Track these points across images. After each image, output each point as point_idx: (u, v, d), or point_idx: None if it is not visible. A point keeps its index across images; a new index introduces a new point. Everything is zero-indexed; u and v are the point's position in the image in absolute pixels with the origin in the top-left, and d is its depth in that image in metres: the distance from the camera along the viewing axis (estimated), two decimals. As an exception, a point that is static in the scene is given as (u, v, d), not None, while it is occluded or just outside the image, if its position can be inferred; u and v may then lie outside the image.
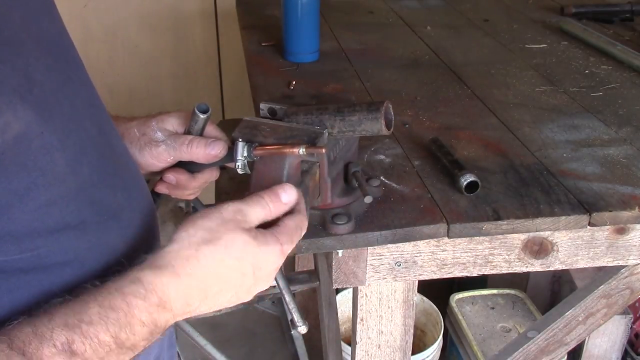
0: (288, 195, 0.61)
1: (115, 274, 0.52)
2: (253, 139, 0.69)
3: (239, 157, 0.68)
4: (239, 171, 0.69)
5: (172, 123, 0.73)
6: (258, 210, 0.59)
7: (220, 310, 1.53)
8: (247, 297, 0.60)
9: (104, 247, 0.58)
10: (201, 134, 0.72)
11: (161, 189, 0.76)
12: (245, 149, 0.67)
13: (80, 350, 0.47)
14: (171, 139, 0.72)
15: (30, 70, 0.50)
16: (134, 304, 0.50)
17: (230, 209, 0.57)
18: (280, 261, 0.59)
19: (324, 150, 0.65)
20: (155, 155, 0.72)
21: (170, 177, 0.74)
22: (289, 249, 0.59)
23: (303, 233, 0.62)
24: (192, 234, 0.55)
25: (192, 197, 0.79)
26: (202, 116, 0.70)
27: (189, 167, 0.74)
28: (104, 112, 0.64)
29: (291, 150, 0.64)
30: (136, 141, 0.72)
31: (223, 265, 0.55)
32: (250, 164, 0.69)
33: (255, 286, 0.59)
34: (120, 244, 0.60)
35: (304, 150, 0.64)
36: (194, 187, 0.76)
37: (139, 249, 0.61)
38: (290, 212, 0.61)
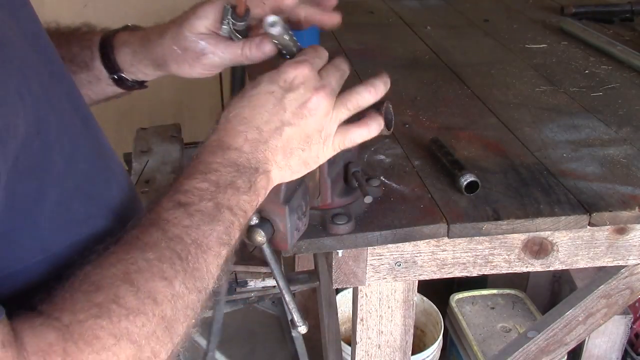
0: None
1: None
2: None
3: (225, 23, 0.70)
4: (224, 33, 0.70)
5: (205, 25, 0.71)
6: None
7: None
8: (314, 118, 0.62)
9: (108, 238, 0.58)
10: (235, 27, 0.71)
11: None
12: (230, 13, 0.68)
13: (187, 201, 0.54)
14: (221, 49, 0.70)
15: (24, 68, 0.50)
16: (202, 157, 0.58)
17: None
18: (304, 67, 0.61)
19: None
20: (209, 67, 0.72)
21: None
22: (304, 59, 0.62)
23: (323, 54, 0.65)
24: None
25: None
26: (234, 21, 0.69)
27: None
28: (83, 105, 0.63)
29: None
30: (182, 59, 0.71)
31: (245, 96, 0.61)
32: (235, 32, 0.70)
33: (303, 98, 0.61)
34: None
35: None
36: None
37: None
38: None
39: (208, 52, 0.70)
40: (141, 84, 0.81)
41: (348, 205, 0.78)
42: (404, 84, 1.22)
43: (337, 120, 0.64)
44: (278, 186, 0.65)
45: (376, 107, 0.70)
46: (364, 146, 0.95)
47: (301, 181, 0.68)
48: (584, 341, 1.56)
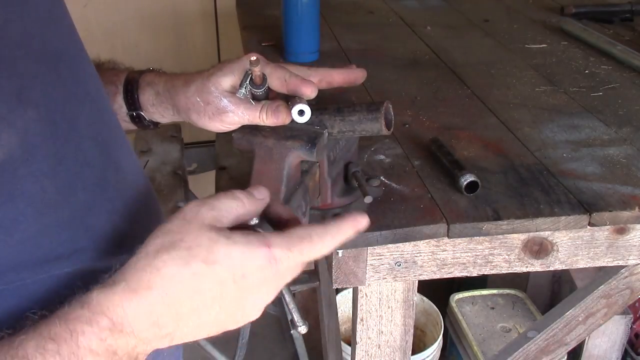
0: (260, 192, 0.54)
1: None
2: (253, 139, 0.69)
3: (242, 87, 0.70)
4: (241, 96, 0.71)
5: (230, 82, 0.72)
6: (228, 201, 0.51)
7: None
8: (242, 315, 0.51)
9: (102, 276, 0.52)
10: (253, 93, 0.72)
11: None
12: (249, 78, 0.69)
13: None
14: (241, 110, 0.71)
15: (24, 91, 0.47)
16: (78, 330, 0.43)
17: (192, 205, 0.49)
18: (270, 268, 0.49)
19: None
20: (227, 124, 0.72)
21: None
22: (283, 256, 0.49)
23: (316, 249, 0.51)
24: (149, 242, 0.47)
25: None
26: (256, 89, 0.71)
27: None
28: (112, 127, 0.61)
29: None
30: (203, 112, 0.72)
31: (188, 271, 0.46)
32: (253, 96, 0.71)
33: (244, 299, 0.49)
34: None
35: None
36: None
37: None
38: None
39: (229, 111, 0.71)
40: (155, 125, 0.81)
41: (348, 205, 0.78)
42: (404, 84, 1.22)
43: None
44: (278, 186, 0.65)
45: (376, 107, 0.70)
46: (364, 146, 0.95)
47: (301, 181, 0.68)
48: (584, 341, 1.56)
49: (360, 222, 0.56)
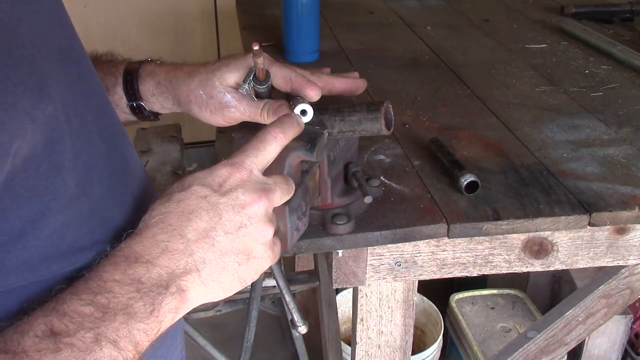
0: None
1: None
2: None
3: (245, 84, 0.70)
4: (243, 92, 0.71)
5: (235, 79, 0.72)
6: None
7: (220, 310, 1.52)
8: (249, 219, 0.54)
9: None
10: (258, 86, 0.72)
11: None
12: (252, 75, 0.69)
13: (62, 329, 0.45)
14: (244, 106, 0.72)
15: (43, 87, 0.48)
16: (100, 269, 0.49)
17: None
18: (239, 171, 0.55)
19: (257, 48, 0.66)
20: (228, 119, 0.73)
21: None
22: (242, 157, 0.56)
23: (265, 140, 0.58)
24: None
25: None
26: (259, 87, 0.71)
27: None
28: (115, 122, 0.62)
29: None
30: (205, 105, 0.73)
31: (172, 201, 0.53)
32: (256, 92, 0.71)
33: (238, 206, 0.54)
34: None
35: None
36: None
37: None
38: None
39: (231, 106, 0.72)
40: (156, 116, 0.81)
41: (348, 205, 0.78)
42: (404, 84, 1.22)
43: (274, 224, 0.58)
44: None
45: (376, 107, 0.70)
46: (364, 146, 0.95)
47: (301, 181, 0.68)
48: (584, 341, 1.57)
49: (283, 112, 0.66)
